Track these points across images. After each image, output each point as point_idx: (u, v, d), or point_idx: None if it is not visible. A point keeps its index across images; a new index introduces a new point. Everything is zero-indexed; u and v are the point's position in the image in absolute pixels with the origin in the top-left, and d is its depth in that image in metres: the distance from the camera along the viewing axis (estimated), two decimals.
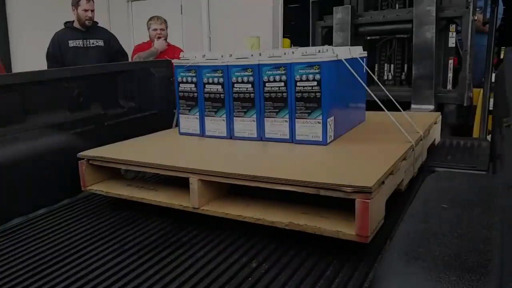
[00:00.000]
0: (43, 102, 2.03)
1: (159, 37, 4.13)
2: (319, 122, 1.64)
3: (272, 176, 1.27)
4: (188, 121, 2.00)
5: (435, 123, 2.10)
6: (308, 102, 1.64)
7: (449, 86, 3.60)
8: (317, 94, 1.62)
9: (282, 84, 1.68)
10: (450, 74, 3.56)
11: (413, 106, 3.38)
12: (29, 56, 5.71)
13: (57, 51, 3.82)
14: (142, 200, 1.56)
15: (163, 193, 1.58)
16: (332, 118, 1.68)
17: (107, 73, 2.41)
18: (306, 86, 1.63)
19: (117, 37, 4.17)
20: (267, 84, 1.71)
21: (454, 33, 3.51)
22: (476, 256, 0.73)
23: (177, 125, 2.07)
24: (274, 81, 1.69)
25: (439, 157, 2.10)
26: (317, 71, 1.60)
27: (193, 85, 1.92)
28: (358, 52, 1.94)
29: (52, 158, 1.83)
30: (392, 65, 3.77)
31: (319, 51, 1.60)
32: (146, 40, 4.30)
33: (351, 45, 3.64)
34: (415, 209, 0.97)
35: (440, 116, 2.22)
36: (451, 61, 3.54)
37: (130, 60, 4.00)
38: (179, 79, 1.94)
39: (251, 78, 1.74)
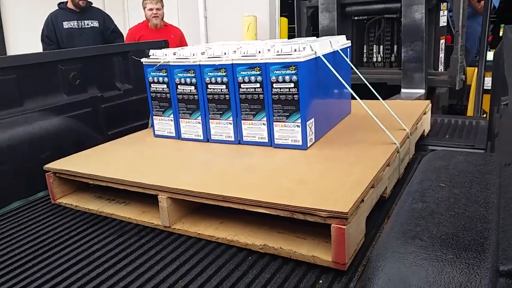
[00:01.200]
0: (39, 84, 2.11)
1: (155, 17, 4.29)
2: (298, 126, 1.64)
3: (244, 198, 1.27)
4: (163, 123, 2.00)
5: (424, 114, 2.11)
6: (286, 105, 1.64)
7: (441, 68, 3.67)
8: (294, 96, 1.61)
9: (258, 85, 1.67)
10: (441, 54, 3.63)
11: (403, 90, 3.44)
12: (24, 40, 5.82)
13: (51, 33, 3.91)
14: (111, 216, 1.57)
15: (135, 207, 1.58)
16: (312, 120, 1.68)
17: (103, 55, 2.49)
18: (282, 88, 1.62)
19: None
20: (242, 85, 1.70)
21: (446, 11, 3.58)
22: (473, 235, 0.77)
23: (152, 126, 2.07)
24: (250, 82, 1.68)
25: (437, 136, 2.18)
26: (293, 72, 1.58)
27: (165, 86, 1.91)
28: (341, 42, 1.96)
29: (49, 141, 1.94)
30: (381, 47, 3.82)
31: (295, 50, 1.58)
32: (141, 21, 4.46)
33: (338, 26, 3.70)
34: (413, 188, 1.01)
35: (430, 105, 2.25)
36: (442, 41, 3.61)
37: (123, 41, 4.22)
38: (150, 79, 1.94)
39: (225, 79, 1.74)
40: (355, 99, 1.79)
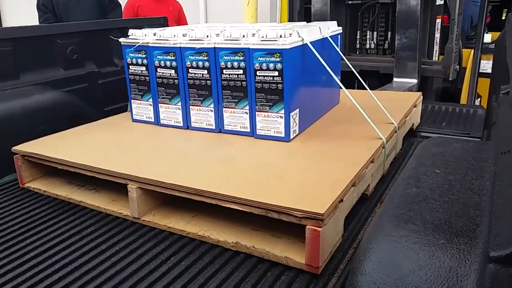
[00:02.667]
0: (36, 58, 2.14)
1: None
2: (281, 117, 1.61)
3: (217, 192, 1.24)
4: (141, 108, 1.96)
5: (414, 106, 2.11)
6: (269, 94, 1.60)
7: (436, 48, 3.67)
8: (278, 85, 1.57)
9: (241, 71, 1.63)
10: (437, 35, 3.62)
11: (395, 79, 3.43)
12: (20, 14, 5.74)
13: (47, 1, 3.81)
14: (80, 203, 1.54)
15: (105, 195, 1.56)
16: (296, 111, 1.65)
17: (101, 30, 2.52)
18: (266, 76, 1.58)
19: None
20: (224, 71, 1.67)
21: None
22: (465, 221, 0.80)
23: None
24: (232, 67, 1.65)
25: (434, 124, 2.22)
26: (278, 59, 1.53)
27: (143, 68, 1.87)
28: (331, 29, 1.92)
29: (45, 115, 1.97)
30: (375, 33, 3.83)
31: (280, 36, 1.53)
32: None
33: (331, 10, 3.69)
34: (408, 173, 1.03)
35: (421, 98, 2.26)
36: (438, 20, 3.58)
37: (122, 12, 4.19)
38: (128, 60, 1.90)
39: (206, 63, 1.70)
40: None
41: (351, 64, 1.83)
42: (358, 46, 3.93)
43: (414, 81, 3.38)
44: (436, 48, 3.68)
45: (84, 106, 2.28)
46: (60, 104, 2.11)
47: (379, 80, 3.56)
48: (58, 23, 3.59)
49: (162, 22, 2.83)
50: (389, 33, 3.76)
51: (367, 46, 3.87)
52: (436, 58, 3.70)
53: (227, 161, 1.50)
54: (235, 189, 1.25)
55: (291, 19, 4.08)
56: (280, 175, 1.35)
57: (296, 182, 1.30)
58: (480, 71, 3.56)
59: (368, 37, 3.85)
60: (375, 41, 3.84)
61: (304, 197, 1.18)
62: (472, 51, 3.69)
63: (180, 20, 4.48)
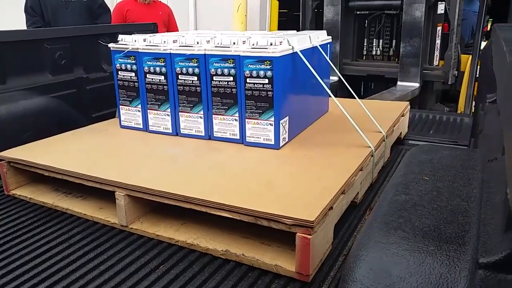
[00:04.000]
0: (23, 62, 2.15)
1: None
2: (271, 124, 1.64)
3: (206, 199, 1.25)
4: (130, 114, 1.98)
5: (402, 116, 2.18)
6: (259, 102, 1.63)
7: (437, 54, 4.05)
8: (268, 93, 1.60)
9: (231, 78, 1.66)
10: (438, 41, 3.98)
11: (399, 83, 3.81)
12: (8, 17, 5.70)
13: (36, 4, 3.83)
14: (66, 211, 1.55)
15: (92, 202, 1.56)
16: (286, 119, 1.68)
17: (90, 35, 2.54)
18: (256, 83, 1.61)
19: None
20: (214, 78, 1.70)
21: (444, 3, 3.93)
22: (454, 228, 0.82)
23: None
24: (222, 74, 1.68)
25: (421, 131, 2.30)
26: (268, 67, 1.57)
27: (133, 74, 1.89)
28: (321, 38, 1.97)
29: (31, 121, 1.97)
30: (380, 41, 4.19)
31: (271, 44, 1.57)
32: None
33: (341, 19, 4.08)
34: (397, 180, 1.06)
35: (409, 107, 2.34)
36: (439, 28, 3.95)
37: (111, 17, 4.27)
38: (117, 66, 1.93)
39: (196, 70, 1.73)
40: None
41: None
42: (365, 53, 4.27)
43: (417, 84, 3.74)
44: (437, 53, 4.00)
45: (72, 112, 2.28)
46: (47, 110, 2.11)
47: (384, 83, 3.94)
48: (46, 27, 3.62)
49: (152, 28, 2.86)
50: (394, 41, 4.10)
51: (373, 52, 4.21)
52: (437, 63, 4.03)
53: (216, 168, 1.52)
54: (224, 196, 1.26)
55: (303, 27, 4.38)
56: (270, 182, 1.37)
57: (285, 189, 1.32)
58: (477, 75, 3.81)
59: (374, 44, 4.19)
60: (380, 48, 4.18)
61: (293, 204, 1.19)
62: (470, 57, 4.02)
63: (170, 24, 4.53)
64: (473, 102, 3.76)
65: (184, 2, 6.05)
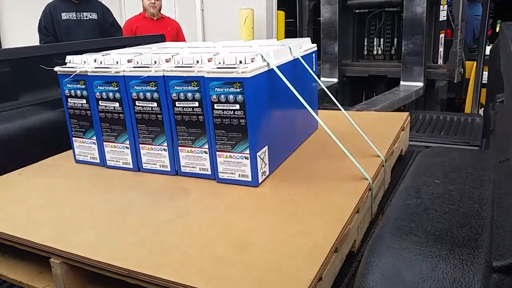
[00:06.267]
0: (35, 78, 2.20)
1: (152, 6, 4.40)
2: (246, 158, 1.41)
3: (154, 275, 1.03)
4: (84, 147, 1.76)
5: (402, 130, 1.94)
6: (231, 131, 1.40)
7: (440, 61, 3.95)
8: (241, 120, 1.37)
9: (197, 104, 1.44)
10: (441, 49, 3.90)
11: (402, 83, 3.70)
12: (20, 31, 5.92)
13: (49, 24, 3.95)
14: (0, 277, 1.32)
15: (32, 265, 1.32)
16: (264, 149, 1.46)
17: (99, 48, 2.53)
18: (226, 109, 1.38)
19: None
20: (177, 103, 1.48)
21: (446, 6, 3.86)
22: (467, 231, 0.82)
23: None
24: (186, 99, 1.45)
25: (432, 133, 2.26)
26: (238, 90, 1.34)
27: (84, 101, 1.68)
28: (304, 47, 1.78)
29: (44, 136, 1.99)
30: (381, 40, 4.09)
31: (240, 62, 1.34)
32: (138, 13, 4.61)
33: (339, 19, 3.94)
34: (408, 184, 1.06)
35: (409, 118, 2.09)
36: (442, 35, 3.88)
37: (122, 35, 4.34)
38: (66, 92, 1.71)
39: (155, 95, 1.50)
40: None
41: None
42: (365, 53, 4.18)
43: (420, 84, 3.62)
44: (441, 61, 3.91)
45: None
46: (59, 124, 2.01)
47: (386, 84, 3.82)
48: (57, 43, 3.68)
49: (160, 40, 2.89)
50: (395, 39, 4.00)
51: (374, 52, 4.12)
52: (441, 61, 3.94)
53: (178, 219, 1.28)
54: (179, 270, 1.03)
55: (300, 29, 4.33)
56: (243, 241, 1.15)
57: (261, 253, 1.08)
58: (483, 81, 3.73)
59: (375, 43, 4.10)
60: (382, 47, 4.08)
61: (270, 281, 0.97)
62: (475, 63, 3.92)
63: (179, 40, 4.58)
64: (480, 110, 3.67)
65: (191, 16, 6.16)
